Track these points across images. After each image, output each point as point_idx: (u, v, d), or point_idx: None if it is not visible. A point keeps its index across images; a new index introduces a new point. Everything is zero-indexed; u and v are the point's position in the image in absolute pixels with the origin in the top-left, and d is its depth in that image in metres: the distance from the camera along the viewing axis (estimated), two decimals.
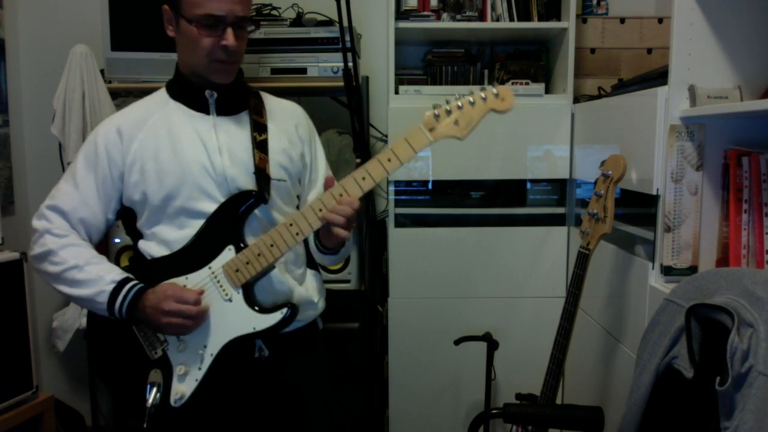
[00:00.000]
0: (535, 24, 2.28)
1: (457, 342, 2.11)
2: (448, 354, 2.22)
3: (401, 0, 2.28)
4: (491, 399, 2.15)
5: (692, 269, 1.53)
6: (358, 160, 2.09)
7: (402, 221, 2.27)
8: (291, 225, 1.28)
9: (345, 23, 2.01)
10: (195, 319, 1.26)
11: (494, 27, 2.28)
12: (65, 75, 2.09)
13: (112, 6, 2.16)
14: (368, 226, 2.30)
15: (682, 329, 1.18)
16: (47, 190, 2.68)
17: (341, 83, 2.04)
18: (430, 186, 2.28)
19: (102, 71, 2.19)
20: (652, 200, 1.57)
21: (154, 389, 1.27)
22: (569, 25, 2.22)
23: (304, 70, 2.20)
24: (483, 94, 1.26)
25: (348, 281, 2.29)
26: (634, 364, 1.32)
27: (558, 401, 1.82)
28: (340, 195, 1.27)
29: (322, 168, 1.50)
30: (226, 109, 1.37)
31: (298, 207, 1.47)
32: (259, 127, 1.37)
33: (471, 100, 1.26)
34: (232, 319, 1.29)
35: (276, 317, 1.28)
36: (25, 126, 2.57)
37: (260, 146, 1.35)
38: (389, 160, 1.26)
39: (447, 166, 2.23)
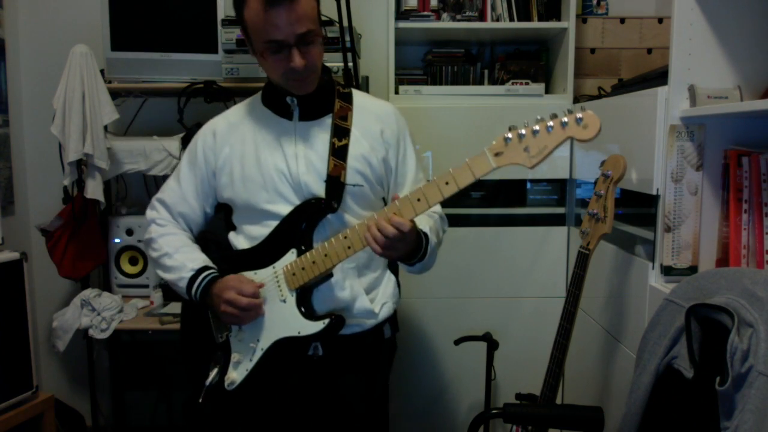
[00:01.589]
0: (535, 24, 2.28)
1: (457, 342, 2.11)
2: (448, 354, 2.22)
3: (401, 0, 2.28)
4: (491, 399, 2.15)
5: (692, 269, 1.53)
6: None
7: None
8: (345, 238, 1.29)
9: (345, 23, 2.01)
10: (246, 311, 1.33)
11: (494, 27, 2.29)
12: (65, 75, 2.09)
13: (112, 6, 2.16)
14: None
15: (682, 329, 1.18)
16: (47, 190, 2.69)
17: (341, 83, 2.04)
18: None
19: (102, 71, 2.19)
20: (652, 200, 1.57)
21: (215, 370, 1.40)
22: (569, 25, 2.22)
23: None
24: (565, 119, 1.14)
25: None
26: (634, 364, 1.32)
27: (558, 401, 1.82)
28: (394, 214, 1.24)
29: (411, 171, 1.48)
30: (308, 114, 1.40)
31: None
32: (340, 132, 1.39)
33: (550, 125, 1.14)
34: (282, 319, 1.36)
35: (318, 326, 1.34)
36: (25, 126, 2.57)
37: (338, 152, 1.37)
38: (447, 183, 1.22)
39: (447, 166, 2.23)
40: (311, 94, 1.39)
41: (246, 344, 1.39)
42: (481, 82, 2.46)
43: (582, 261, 1.60)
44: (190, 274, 1.39)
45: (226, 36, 2.13)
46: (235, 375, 1.39)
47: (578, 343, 1.86)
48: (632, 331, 1.68)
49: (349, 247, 1.29)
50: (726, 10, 1.48)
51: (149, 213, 1.51)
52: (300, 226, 1.36)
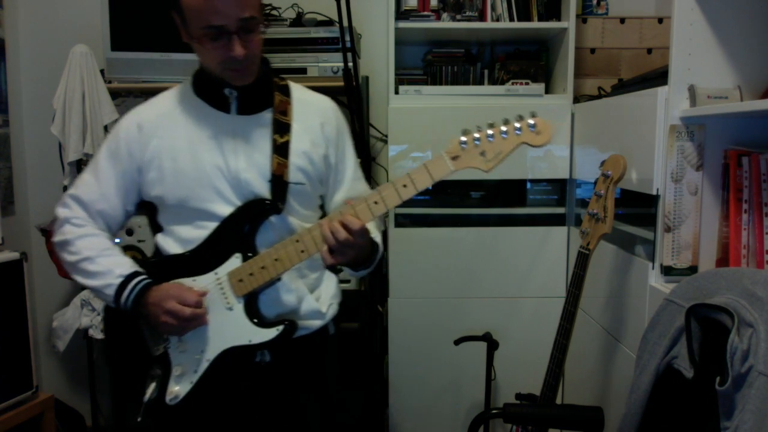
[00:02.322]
0: (535, 24, 2.28)
1: (457, 342, 2.11)
2: (448, 354, 2.22)
3: (401, 0, 2.28)
4: (491, 399, 2.15)
5: (692, 269, 1.53)
6: (358, 160, 2.09)
7: (402, 221, 2.27)
8: (297, 241, 1.25)
9: (345, 23, 2.01)
10: (189, 321, 1.26)
11: (494, 27, 2.29)
12: (65, 75, 2.09)
13: (112, 6, 2.16)
14: None
15: (682, 329, 1.18)
16: (47, 190, 2.68)
17: (341, 83, 2.04)
18: (430, 186, 2.28)
19: (102, 71, 2.19)
20: (652, 200, 1.57)
21: (153, 385, 1.29)
22: (569, 25, 2.22)
23: (304, 70, 2.20)
24: (518, 125, 1.17)
25: (348, 281, 2.29)
26: (634, 364, 1.32)
27: (558, 401, 1.82)
28: (350, 216, 1.22)
29: (350, 168, 1.44)
30: (247, 108, 1.32)
31: (321, 207, 1.44)
32: (281, 128, 1.32)
33: (503, 130, 1.18)
34: (230, 328, 1.29)
35: (271, 333, 1.27)
36: (25, 126, 2.57)
37: (280, 150, 1.31)
38: (405, 186, 1.21)
39: None
40: (251, 87, 1.31)
41: (190, 356, 1.29)
42: (481, 82, 2.46)
43: (582, 261, 1.60)
44: (118, 280, 1.27)
45: None
46: (178, 388, 1.29)
47: (578, 343, 1.86)
48: (632, 331, 1.68)
49: (302, 251, 1.25)
50: (726, 10, 1.48)
51: (61, 211, 1.35)
52: (243, 229, 1.28)
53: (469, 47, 2.50)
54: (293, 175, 1.32)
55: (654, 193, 1.56)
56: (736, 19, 1.48)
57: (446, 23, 2.29)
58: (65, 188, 2.18)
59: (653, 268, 1.57)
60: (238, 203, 1.30)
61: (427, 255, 2.25)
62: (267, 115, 1.33)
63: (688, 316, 1.14)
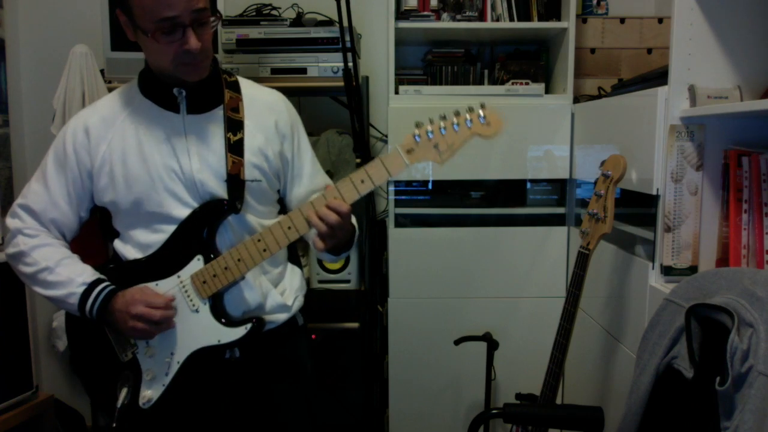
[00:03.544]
0: (535, 24, 2.28)
1: (457, 342, 2.11)
2: (448, 354, 2.22)
3: (401, 0, 2.28)
4: (491, 399, 2.15)
5: (692, 269, 1.53)
6: (358, 160, 2.09)
7: (402, 221, 2.27)
8: (259, 241, 1.25)
9: (345, 23, 2.01)
10: (159, 324, 1.26)
11: (494, 27, 2.29)
12: (65, 75, 2.09)
13: (112, 6, 2.16)
14: (368, 226, 2.30)
15: (682, 329, 1.18)
16: None
17: (341, 83, 2.04)
18: (430, 186, 2.28)
19: (102, 71, 2.19)
20: (652, 200, 1.57)
21: (124, 390, 1.29)
22: (569, 25, 2.22)
23: (304, 70, 2.20)
24: (468, 117, 1.17)
25: (348, 281, 2.29)
26: (634, 364, 1.32)
27: (558, 401, 1.82)
28: (310, 214, 1.23)
29: (307, 161, 1.43)
30: (197, 106, 1.30)
31: (280, 201, 1.44)
32: (233, 126, 1.30)
33: (455, 122, 1.18)
34: (197, 329, 1.29)
35: (240, 332, 1.28)
36: (25, 126, 2.57)
37: (234, 148, 1.29)
38: (362, 181, 1.21)
39: (447, 166, 2.23)
40: (199, 85, 1.29)
41: (159, 359, 1.30)
42: (481, 82, 2.46)
43: (582, 261, 1.60)
44: (81, 289, 1.25)
45: (226, 36, 2.13)
46: (151, 392, 1.29)
47: (578, 343, 1.86)
48: (632, 331, 1.68)
49: (264, 250, 1.25)
50: (726, 10, 1.48)
51: (11, 222, 1.32)
52: (202, 231, 1.27)
53: (469, 47, 2.50)
54: (249, 173, 1.30)
55: (654, 193, 1.56)
56: (736, 19, 1.48)
57: (446, 23, 2.29)
58: None
59: (653, 268, 1.57)
60: (195, 205, 1.28)
61: (426, 255, 2.25)
62: (218, 113, 1.32)
63: (688, 316, 1.14)
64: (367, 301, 2.30)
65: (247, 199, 1.31)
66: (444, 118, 1.19)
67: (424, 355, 2.29)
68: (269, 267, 1.38)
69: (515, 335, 2.26)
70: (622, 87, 2.07)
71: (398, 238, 2.25)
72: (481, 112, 1.17)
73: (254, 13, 2.30)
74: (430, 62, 2.44)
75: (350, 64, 2.01)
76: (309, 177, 1.42)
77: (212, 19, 1.23)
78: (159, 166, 1.27)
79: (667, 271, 1.53)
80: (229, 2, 2.25)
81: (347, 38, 2.04)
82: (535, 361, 1.95)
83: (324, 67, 2.20)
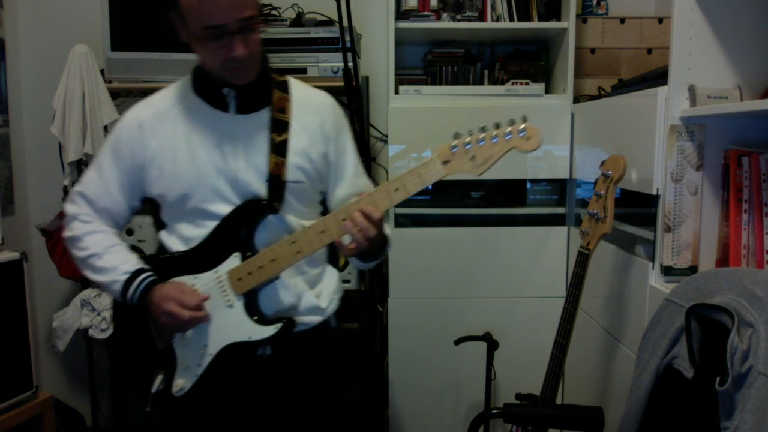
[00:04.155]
0: (535, 24, 2.28)
1: (457, 342, 2.11)
2: (448, 354, 2.22)
3: (401, 0, 2.28)
4: (491, 399, 2.15)
5: (692, 269, 1.53)
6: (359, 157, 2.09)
7: (402, 221, 2.27)
8: (293, 243, 1.27)
9: (345, 23, 2.01)
10: (188, 324, 1.29)
11: (494, 27, 2.29)
12: (65, 75, 2.09)
13: (112, 6, 2.16)
14: None
15: (682, 329, 1.18)
16: (47, 190, 2.68)
17: (341, 83, 2.04)
18: (430, 186, 2.28)
19: (102, 71, 2.19)
20: (652, 200, 1.57)
21: (160, 377, 1.34)
22: (569, 25, 2.22)
23: (304, 70, 2.20)
24: (508, 130, 1.18)
25: (348, 281, 2.29)
26: (634, 364, 1.32)
27: (558, 401, 1.82)
28: (343, 220, 1.25)
29: (350, 164, 1.44)
30: (246, 106, 1.33)
31: (322, 203, 1.45)
32: (279, 126, 1.33)
33: (494, 135, 1.19)
34: (230, 325, 1.32)
35: (270, 331, 1.30)
36: (25, 126, 2.57)
37: (278, 149, 1.31)
38: (397, 190, 1.23)
39: None
40: (249, 86, 1.31)
41: (193, 350, 1.33)
42: (481, 82, 2.46)
43: (582, 261, 1.60)
44: (124, 277, 1.30)
45: None
46: (183, 381, 1.33)
47: (578, 343, 1.86)
48: (632, 331, 1.68)
49: (298, 252, 1.27)
50: (726, 10, 1.48)
51: (70, 208, 1.39)
52: (241, 228, 1.31)
53: (469, 47, 2.50)
54: (291, 174, 1.32)
55: (654, 193, 1.56)
56: (736, 19, 1.48)
57: (446, 23, 2.29)
58: (65, 188, 2.18)
59: (653, 268, 1.57)
60: (238, 203, 1.31)
61: (427, 255, 2.25)
62: (266, 113, 1.34)
63: (688, 316, 1.14)
64: (368, 301, 2.31)
65: (288, 199, 1.33)
66: (484, 129, 1.20)
67: (424, 355, 2.29)
68: (307, 267, 1.40)
69: (515, 335, 2.26)
70: (622, 87, 2.07)
71: (398, 238, 2.24)
72: (521, 126, 1.17)
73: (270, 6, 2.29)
74: (430, 62, 2.44)
75: (350, 64, 2.02)
76: (351, 179, 1.43)
77: (260, 25, 1.26)
78: (205, 163, 1.30)
79: (667, 271, 1.53)
80: None
81: (347, 38, 2.04)
82: (535, 361, 1.95)
83: (324, 67, 2.20)
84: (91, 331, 2.08)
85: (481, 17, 2.30)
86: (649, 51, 2.40)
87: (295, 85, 1.41)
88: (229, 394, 1.39)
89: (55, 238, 2.21)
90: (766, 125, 1.48)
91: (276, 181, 1.31)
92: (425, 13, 2.29)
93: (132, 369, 1.43)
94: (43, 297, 2.59)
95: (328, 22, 2.27)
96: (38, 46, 2.53)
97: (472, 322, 2.23)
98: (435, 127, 2.19)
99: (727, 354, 1.02)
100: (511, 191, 2.29)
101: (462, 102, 2.24)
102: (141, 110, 1.37)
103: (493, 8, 2.28)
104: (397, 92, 2.25)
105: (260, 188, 1.31)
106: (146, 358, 1.37)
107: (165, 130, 1.33)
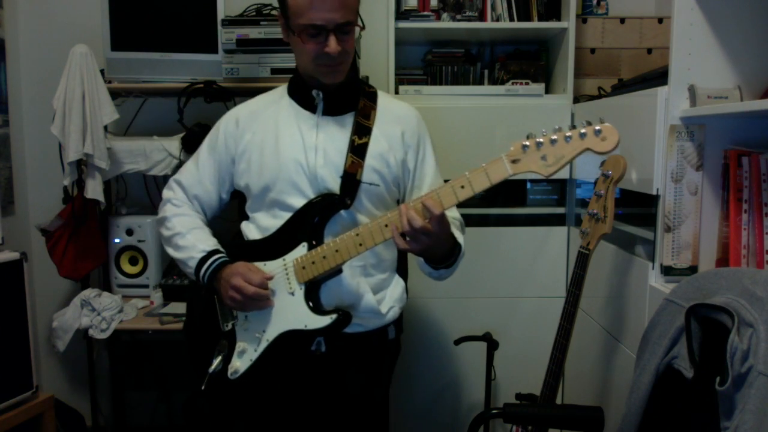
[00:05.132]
0: (535, 24, 2.28)
1: (457, 342, 2.11)
2: (448, 354, 2.22)
3: (401, 0, 2.28)
4: (491, 399, 2.15)
5: (692, 269, 1.53)
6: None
7: None
8: (357, 235, 1.30)
9: None
10: (252, 300, 1.34)
11: (494, 27, 2.29)
12: (65, 75, 2.09)
13: (112, 6, 2.16)
14: None
15: (682, 329, 1.18)
16: (47, 190, 2.68)
17: None
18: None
19: (102, 71, 2.18)
20: (652, 200, 1.57)
21: (219, 358, 1.42)
22: (569, 25, 2.22)
23: None
24: (583, 130, 1.14)
25: None
26: (634, 364, 1.32)
27: (558, 401, 1.82)
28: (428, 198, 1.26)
29: (429, 174, 1.49)
30: (332, 109, 1.42)
31: None
32: (361, 130, 1.40)
33: (568, 135, 1.16)
34: (289, 312, 1.37)
35: (325, 321, 1.34)
36: (25, 126, 2.57)
37: (357, 150, 1.38)
38: (462, 187, 1.22)
39: (446, 166, 2.23)
40: (337, 90, 1.40)
41: (251, 334, 1.40)
42: (481, 82, 2.46)
43: (582, 261, 1.60)
44: (200, 255, 1.41)
45: (226, 36, 2.13)
46: (239, 364, 1.39)
47: (578, 343, 1.86)
48: (632, 331, 1.68)
49: (360, 245, 1.30)
50: (726, 10, 1.48)
51: (166, 193, 1.53)
52: (312, 220, 1.37)
53: (469, 47, 2.50)
54: (367, 176, 1.39)
55: (654, 193, 1.56)
56: (736, 19, 1.48)
57: (446, 23, 2.29)
58: (65, 188, 2.17)
59: (653, 268, 1.57)
60: (312, 197, 1.38)
61: None
62: (350, 117, 1.43)
63: (688, 316, 1.14)
64: None
65: (362, 200, 1.39)
66: (558, 129, 1.18)
67: (425, 354, 2.29)
68: (373, 271, 1.44)
69: (515, 335, 2.26)
70: (622, 87, 2.07)
71: None
72: (597, 126, 1.14)
73: (254, 13, 2.30)
74: (430, 62, 2.44)
75: None
76: (429, 188, 1.45)
77: (355, 31, 1.37)
78: (288, 158, 1.39)
79: (667, 271, 1.53)
80: (229, 2, 2.25)
81: None
82: (535, 361, 1.95)
83: None
84: (91, 331, 2.08)
85: (481, 17, 2.30)
86: (649, 51, 2.40)
87: (382, 96, 1.50)
88: (279, 387, 1.44)
89: (55, 238, 2.21)
90: (766, 125, 1.48)
91: (350, 178, 1.37)
92: (425, 13, 2.29)
93: (197, 350, 1.50)
94: (43, 297, 2.58)
95: None
96: (38, 46, 2.53)
97: (472, 322, 2.23)
98: (435, 128, 2.18)
99: (727, 354, 1.02)
100: (511, 191, 2.29)
101: (462, 102, 2.24)
102: (240, 108, 1.51)
103: (493, 8, 2.29)
104: (397, 92, 2.25)
105: (335, 184, 1.37)
106: (209, 339, 1.45)
107: (257, 126, 1.44)
